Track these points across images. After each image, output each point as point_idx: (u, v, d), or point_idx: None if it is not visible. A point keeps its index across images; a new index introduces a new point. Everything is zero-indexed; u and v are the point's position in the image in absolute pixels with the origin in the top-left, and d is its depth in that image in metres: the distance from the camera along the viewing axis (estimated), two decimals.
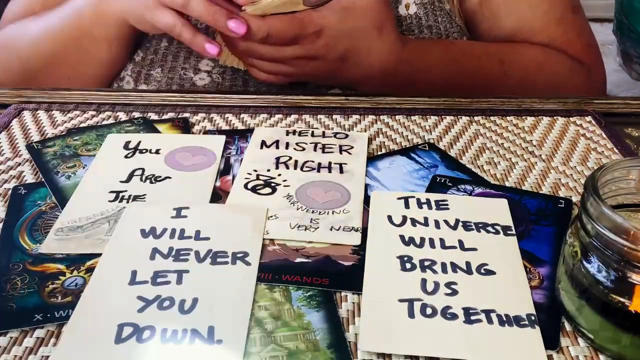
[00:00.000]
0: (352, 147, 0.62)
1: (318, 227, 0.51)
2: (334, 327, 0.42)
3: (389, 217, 0.52)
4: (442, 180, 0.57)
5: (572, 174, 0.59)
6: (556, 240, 0.49)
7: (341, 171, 0.58)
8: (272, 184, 0.56)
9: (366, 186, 0.56)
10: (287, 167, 0.59)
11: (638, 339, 0.39)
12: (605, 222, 0.38)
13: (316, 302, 0.44)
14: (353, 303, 0.44)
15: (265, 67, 0.72)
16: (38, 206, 0.53)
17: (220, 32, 0.69)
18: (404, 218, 0.51)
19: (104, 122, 0.67)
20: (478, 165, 0.60)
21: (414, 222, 0.51)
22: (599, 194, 0.40)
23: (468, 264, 0.47)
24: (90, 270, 0.46)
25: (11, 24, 0.83)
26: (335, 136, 0.64)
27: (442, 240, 0.49)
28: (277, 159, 0.60)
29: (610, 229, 0.38)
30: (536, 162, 0.60)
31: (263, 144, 0.62)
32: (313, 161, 0.59)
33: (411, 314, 0.43)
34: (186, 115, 0.68)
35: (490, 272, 0.46)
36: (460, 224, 0.51)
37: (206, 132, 0.65)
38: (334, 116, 0.68)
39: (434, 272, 0.46)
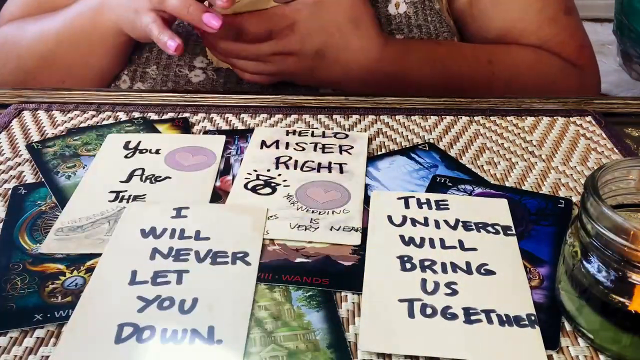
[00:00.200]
0: (352, 147, 0.62)
1: (318, 227, 0.51)
2: (334, 327, 0.42)
3: (389, 217, 0.52)
4: (442, 180, 0.57)
5: (572, 174, 0.59)
6: (556, 240, 0.49)
7: (341, 171, 0.58)
8: (272, 184, 0.56)
9: (366, 186, 0.56)
10: (287, 167, 0.59)
11: (638, 339, 0.39)
12: (605, 222, 0.38)
13: (316, 302, 0.44)
14: (353, 303, 0.44)
15: (246, 66, 0.72)
16: (38, 206, 0.53)
17: (202, 33, 0.70)
18: (404, 218, 0.51)
19: (104, 122, 0.67)
20: (478, 165, 0.60)
21: (414, 222, 0.51)
22: (599, 194, 0.40)
23: (468, 264, 0.47)
24: (90, 270, 0.46)
25: (9, 24, 0.83)
26: (335, 136, 0.64)
27: (442, 240, 0.49)
28: (277, 159, 0.60)
29: (610, 229, 0.38)
30: (536, 162, 0.60)
31: (263, 144, 0.62)
32: (313, 161, 0.59)
33: (411, 314, 0.43)
34: (186, 115, 0.68)
35: (490, 272, 0.46)
36: (460, 224, 0.51)
37: (206, 132, 0.65)
38: (334, 116, 0.68)
39: (434, 272, 0.46)
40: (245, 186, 0.56)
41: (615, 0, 2.23)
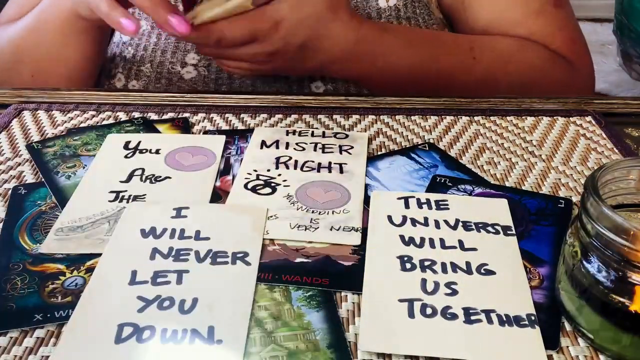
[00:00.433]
0: (352, 147, 0.62)
1: (318, 227, 0.51)
2: (334, 327, 0.42)
3: (389, 217, 0.52)
4: (442, 180, 0.57)
5: (572, 174, 0.59)
6: (556, 240, 0.49)
7: (341, 171, 0.58)
8: (272, 184, 0.56)
9: (366, 186, 0.56)
10: (287, 167, 0.59)
11: (638, 339, 0.39)
12: (605, 222, 0.38)
13: (316, 302, 0.44)
14: (353, 303, 0.44)
15: (231, 66, 0.72)
16: (38, 206, 0.53)
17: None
18: (404, 218, 0.51)
19: (104, 122, 0.67)
20: (478, 165, 0.60)
21: (414, 222, 0.51)
22: (599, 194, 0.40)
23: (468, 264, 0.47)
24: (90, 270, 0.46)
25: (3, 26, 0.84)
26: (335, 136, 0.64)
27: (442, 240, 0.49)
28: (277, 159, 0.60)
29: (610, 229, 0.38)
30: (536, 162, 0.60)
31: (263, 144, 0.62)
32: (313, 161, 0.59)
33: (411, 314, 0.43)
34: (186, 115, 0.68)
35: (490, 272, 0.46)
36: (460, 224, 0.51)
37: (206, 132, 0.65)
38: (334, 116, 0.68)
39: (434, 272, 0.46)
40: (245, 186, 0.56)
41: (615, 0, 2.23)
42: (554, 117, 0.68)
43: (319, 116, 0.68)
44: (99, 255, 0.48)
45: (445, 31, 0.83)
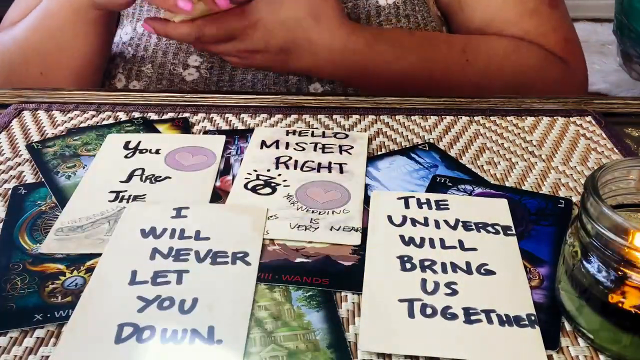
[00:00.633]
0: (352, 147, 0.62)
1: (318, 227, 0.51)
2: (334, 327, 0.42)
3: (389, 217, 0.52)
4: (442, 180, 0.57)
5: (572, 174, 0.59)
6: (556, 240, 0.49)
7: (341, 171, 0.58)
8: (272, 184, 0.56)
9: (366, 186, 0.56)
10: (287, 167, 0.59)
11: (638, 339, 0.39)
12: (605, 222, 0.38)
13: (316, 302, 0.44)
14: (353, 303, 0.44)
15: (232, 60, 0.74)
16: (38, 206, 0.53)
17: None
18: (404, 218, 0.51)
19: (104, 122, 0.67)
20: (478, 165, 0.60)
21: (414, 222, 0.51)
22: (599, 194, 0.40)
23: (468, 264, 0.47)
24: (90, 270, 0.46)
25: (6, 29, 0.84)
26: (335, 136, 0.64)
27: (442, 240, 0.49)
28: (277, 159, 0.60)
29: (610, 229, 0.38)
30: (536, 162, 0.60)
31: (263, 144, 0.62)
32: (313, 161, 0.59)
33: (411, 314, 0.43)
34: (186, 115, 0.68)
35: (490, 272, 0.46)
36: (460, 224, 0.51)
37: (206, 132, 0.65)
38: (334, 116, 0.68)
39: (434, 272, 0.46)
40: (245, 186, 0.56)
41: (615, 0, 2.23)
42: (554, 117, 0.68)
43: (319, 116, 0.68)
44: (99, 255, 0.48)
45: (439, 32, 0.83)
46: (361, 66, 0.73)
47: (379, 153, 0.61)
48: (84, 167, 0.58)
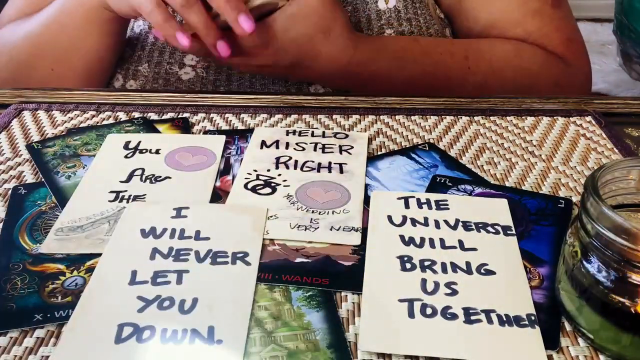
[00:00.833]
0: (352, 147, 0.62)
1: (318, 227, 0.51)
2: (334, 327, 0.42)
3: (389, 217, 0.52)
4: (442, 180, 0.57)
5: (572, 174, 0.59)
6: (556, 240, 0.49)
7: (341, 171, 0.58)
8: (272, 184, 0.56)
9: (366, 186, 0.56)
10: (287, 167, 0.59)
11: (638, 339, 0.39)
12: (605, 222, 0.38)
13: (316, 302, 0.44)
14: (353, 303, 0.44)
15: (238, 67, 0.75)
16: (38, 206, 0.53)
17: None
18: (404, 218, 0.51)
19: (104, 122, 0.67)
20: (478, 165, 0.60)
21: (414, 222, 0.51)
22: (599, 194, 0.40)
23: (468, 264, 0.47)
24: (90, 270, 0.46)
25: (7, 25, 0.84)
26: (335, 136, 0.64)
27: (442, 240, 0.49)
28: (277, 159, 0.60)
29: (610, 229, 0.38)
30: (536, 162, 0.60)
31: (263, 144, 0.62)
32: (313, 161, 0.59)
33: (411, 314, 0.43)
34: (186, 115, 0.68)
35: (490, 272, 0.46)
36: (460, 224, 0.51)
37: (206, 132, 0.65)
38: (334, 116, 0.68)
39: (434, 272, 0.46)
40: (245, 186, 0.56)
41: (615, 0, 2.23)
42: (554, 117, 0.68)
43: (319, 116, 0.68)
44: (99, 255, 0.48)
45: (443, 39, 0.83)
46: (365, 78, 0.74)
47: (379, 153, 0.61)
48: (84, 167, 0.58)
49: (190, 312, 0.43)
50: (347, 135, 0.64)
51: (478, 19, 0.81)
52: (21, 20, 0.82)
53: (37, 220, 0.52)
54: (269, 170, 0.58)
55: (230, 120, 0.67)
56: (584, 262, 0.40)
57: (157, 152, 0.60)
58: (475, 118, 0.67)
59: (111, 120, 0.67)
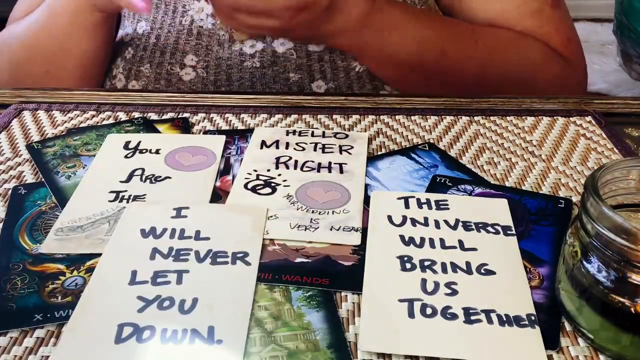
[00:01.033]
0: (352, 147, 0.62)
1: (318, 227, 0.51)
2: (334, 327, 0.42)
3: (389, 217, 0.52)
4: (442, 180, 0.57)
5: (572, 174, 0.59)
6: (556, 240, 0.49)
7: (341, 171, 0.58)
8: (272, 184, 0.56)
9: (366, 186, 0.56)
10: (287, 167, 0.59)
11: (638, 339, 0.39)
12: (605, 222, 0.38)
13: (316, 302, 0.44)
14: (353, 303, 0.44)
15: (249, 22, 0.68)
16: (38, 206, 0.53)
17: None
18: (404, 218, 0.51)
19: (104, 122, 0.67)
20: (478, 165, 0.60)
21: (414, 222, 0.51)
22: (599, 194, 0.40)
23: (468, 264, 0.47)
24: (90, 270, 0.46)
25: (11, 25, 0.84)
26: (335, 136, 0.64)
27: (442, 240, 0.49)
28: (277, 159, 0.60)
29: (610, 229, 0.38)
30: (536, 162, 0.60)
31: (263, 144, 0.62)
32: (313, 161, 0.59)
33: (411, 314, 0.43)
34: (186, 115, 0.68)
35: (490, 272, 0.46)
36: (460, 224, 0.51)
37: (206, 132, 0.65)
38: (334, 116, 0.68)
39: (434, 272, 0.46)
40: (245, 186, 0.56)
41: (615, 0, 2.23)
42: (554, 117, 0.68)
43: (319, 116, 0.68)
44: (99, 255, 0.48)
45: (446, 17, 0.83)
46: (380, 29, 0.72)
47: (379, 153, 0.61)
48: (84, 167, 0.58)
49: (190, 312, 0.43)
50: (347, 135, 0.64)
51: (477, 17, 0.81)
52: (21, 20, 0.83)
53: (37, 220, 0.52)
54: (269, 170, 0.58)
55: (230, 120, 0.67)
56: (584, 262, 0.40)
57: (157, 152, 0.60)
58: (475, 118, 0.67)
59: (111, 120, 0.67)
